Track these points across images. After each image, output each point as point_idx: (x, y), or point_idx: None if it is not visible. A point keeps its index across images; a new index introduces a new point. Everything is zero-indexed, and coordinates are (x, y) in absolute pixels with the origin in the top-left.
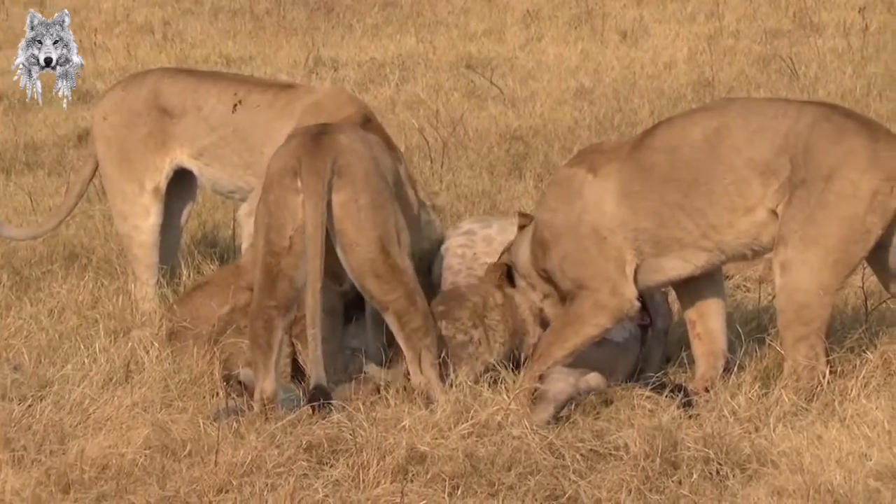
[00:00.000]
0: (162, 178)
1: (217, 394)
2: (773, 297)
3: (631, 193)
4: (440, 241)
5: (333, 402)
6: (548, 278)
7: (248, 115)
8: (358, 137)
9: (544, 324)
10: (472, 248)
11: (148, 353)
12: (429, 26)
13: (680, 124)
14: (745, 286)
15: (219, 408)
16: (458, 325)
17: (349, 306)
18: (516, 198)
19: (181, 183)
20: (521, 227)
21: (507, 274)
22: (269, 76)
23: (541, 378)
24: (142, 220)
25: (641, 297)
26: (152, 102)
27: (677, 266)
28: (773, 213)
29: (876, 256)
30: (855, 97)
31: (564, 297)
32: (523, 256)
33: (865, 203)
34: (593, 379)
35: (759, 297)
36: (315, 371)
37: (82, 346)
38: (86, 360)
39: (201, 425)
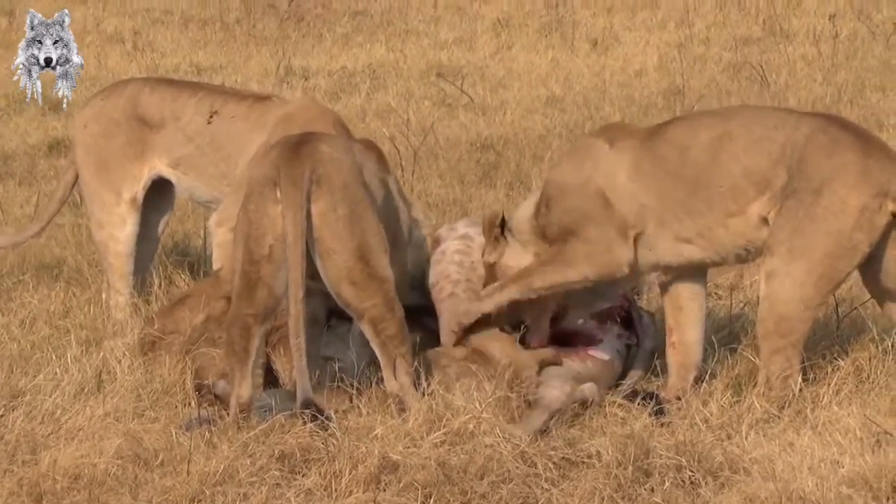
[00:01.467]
0: (140, 188)
1: (189, 403)
2: (745, 304)
3: (642, 172)
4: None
5: (326, 413)
6: (544, 236)
7: (224, 125)
8: (340, 146)
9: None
10: (469, 255)
11: (120, 363)
12: (399, 35)
13: (692, 124)
14: (716, 294)
15: (191, 417)
16: None
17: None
18: (487, 206)
19: (158, 194)
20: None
21: (501, 224)
22: (241, 86)
23: (538, 386)
24: (118, 230)
25: (629, 315)
26: (131, 112)
27: (670, 253)
28: (766, 220)
29: (868, 271)
30: (825, 104)
31: None
32: (523, 213)
33: (853, 219)
34: (588, 389)
35: (731, 305)
36: (301, 383)
37: (54, 356)
38: (57, 370)
39: (173, 435)
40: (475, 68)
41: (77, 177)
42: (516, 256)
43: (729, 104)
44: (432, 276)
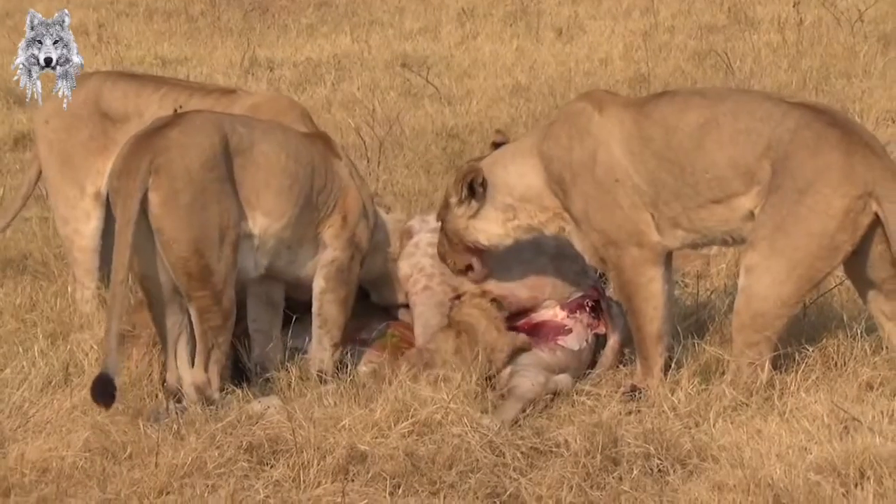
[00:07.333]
0: (103, 183)
1: (156, 395)
2: (711, 292)
3: (632, 152)
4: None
5: (116, 394)
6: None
7: None
8: (202, 128)
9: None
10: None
11: (87, 356)
12: (364, 25)
13: (680, 104)
14: (683, 282)
15: (158, 409)
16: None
17: (295, 305)
18: None
19: None
20: (497, 145)
21: (482, 184)
22: (207, 78)
23: (510, 376)
24: (83, 224)
25: (599, 305)
26: (93, 107)
27: (669, 238)
28: (753, 213)
29: (851, 264)
30: (790, 91)
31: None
32: (517, 179)
33: (837, 221)
34: (562, 380)
35: (698, 293)
36: (105, 360)
37: (21, 350)
38: (24, 364)
39: (141, 427)
40: (440, 58)
41: (40, 172)
42: (489, 221)
43: (756, 90)
44: (406, 268)
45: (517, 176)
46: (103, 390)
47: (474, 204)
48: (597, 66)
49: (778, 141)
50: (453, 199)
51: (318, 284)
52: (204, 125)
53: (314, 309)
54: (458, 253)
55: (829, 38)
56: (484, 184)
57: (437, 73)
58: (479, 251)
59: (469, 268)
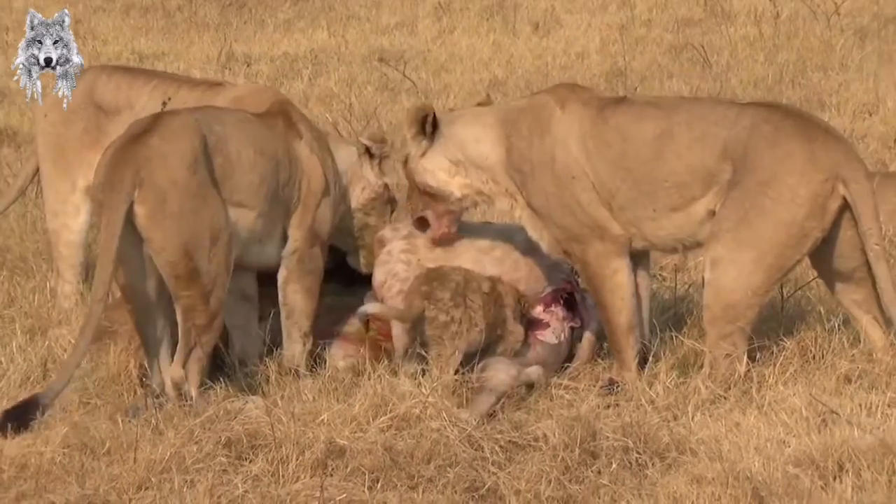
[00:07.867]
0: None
1: (135, 391)
2: (689, 286)
3: (588, 151)
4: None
5: (36, 419)
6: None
7: None
8: (177, 131)
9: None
10: (415, 253)
11: (65, 351)
12: (341, 20)
13: (638, 113)
14: (661, 275)
15: (136, 405)
16: (440, 305)
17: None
18: None
19: None
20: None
21: (433, 123)
22: (184, 73)
23: (482, 369)
24: (71, 219)
25: (573, 298)
26: (88, 99)
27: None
28: (712, 213)
29: (818, 254)
30: (767, 85)
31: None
32: (473, 143)
33: (805, 208)
34: (534, 372)
35: (676, 287)
36: (56, 380)
37: None
38: (2, 360)
39: (120, 423)
40: (417, 53)
41: (37, 167)
42: (436, 165)
43: (671, 86)
44: (380, 276)
45: (473, 140)
46: (22, 414)
47: (424, 143)
48: (573, 60)
49: (735, 140)
50: (407, 134)
51: (280, 275)
52: (183, 129)
53: (280, 300)
54: (416, 199)
55: (806, 31)
56: (435, 123)
57: (414, 68)
58: (445, 211)
59: (424, 223)
